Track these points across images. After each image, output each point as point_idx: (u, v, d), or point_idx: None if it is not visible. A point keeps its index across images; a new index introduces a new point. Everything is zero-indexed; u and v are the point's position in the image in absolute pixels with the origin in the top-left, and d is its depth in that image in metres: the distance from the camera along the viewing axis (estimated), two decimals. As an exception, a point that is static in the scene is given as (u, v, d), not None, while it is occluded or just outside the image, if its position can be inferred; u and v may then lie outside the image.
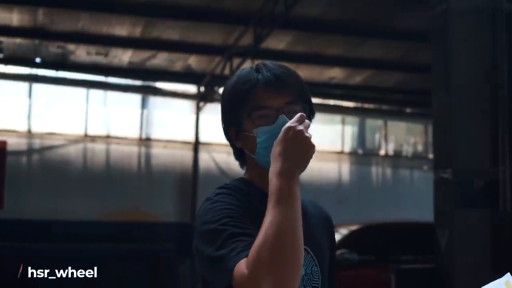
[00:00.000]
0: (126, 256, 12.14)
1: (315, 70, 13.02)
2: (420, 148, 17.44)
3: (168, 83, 14.81)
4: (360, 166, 16.39)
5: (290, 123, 1.62)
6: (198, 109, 14.72)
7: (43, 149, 14.13)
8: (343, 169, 16.09)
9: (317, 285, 1.85)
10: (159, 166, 14.62)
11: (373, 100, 16.35)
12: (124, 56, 12.89)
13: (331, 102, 15.27)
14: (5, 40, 12.09)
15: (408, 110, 17.00)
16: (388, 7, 10.19)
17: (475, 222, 5.12)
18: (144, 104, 14.94)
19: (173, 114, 15.07)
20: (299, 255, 1.51)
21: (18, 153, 13.72)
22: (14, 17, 11.03)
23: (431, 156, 16.92)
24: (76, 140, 14.28)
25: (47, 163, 14.08)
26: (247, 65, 11.37)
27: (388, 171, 16.79)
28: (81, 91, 14.44)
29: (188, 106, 15.01)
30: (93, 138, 14.36)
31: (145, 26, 11.19)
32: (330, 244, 2.01)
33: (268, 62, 1.88)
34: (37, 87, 14.18)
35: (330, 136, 15.60)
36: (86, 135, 14.36)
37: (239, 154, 1.95)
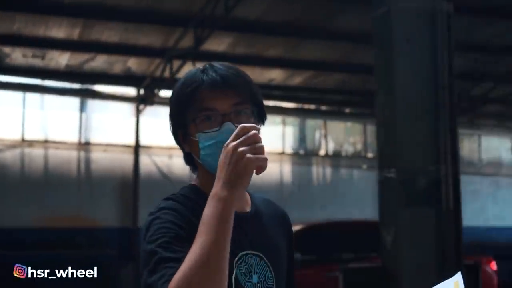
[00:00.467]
0: (67, 263, 11.94)
1: (256, 72, 13.04)
2: (359, 147, 17.68)
3: (107, 86, 14.60)
4: (302, 166, 16.52)
5: (231, 141, 1.51)
6: (138, 112, 14.54)
7: (-22, 155, 13.79)
8: (285, 170, 16.19)
9: None
10: (99, 171, 14.40)
11: (313, 101, 16.52)
12: (62, 59, 12.64)
13: (272, 103, 15.36)
14: None
15: (347, 110, 17.22)
16: (328, 9, 10.29)
17: (419, 221, 5.20)
18: (82, 108, 14.68)
19: (112, 118, 14.85)
20: (221, 285, 1.47)
21: (-49, 159, 13.38)
22: None
23: (370, 155, 17.22)
24: (13, 145, 13.93)
25: (-18, 169, 13.74)
26: (188, 67, 11.41)
27: (329, 170, 16.97)
28: (17, 94, 14.10)
29: (128, 109, 14.82)
30: (31, 143, 14.04)
31: (84, 28, 11.00)
32: (287, 241, 1.97)
33: (216, 63, 1.81)
34: (-29, 91, 13.83)
35: (271, 137, 15.67)
36: (23, 140, 14.02)
37: (188, 159, 1.88)
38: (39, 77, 13.92)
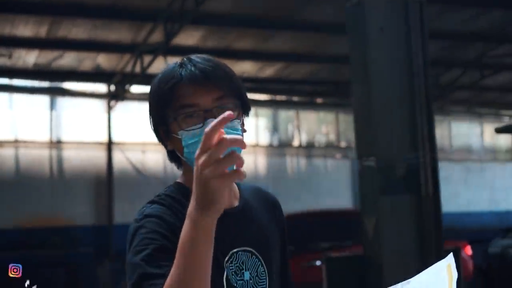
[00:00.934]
0: (42, 263, 11.86)
1: (227, 65, 13.00)
2: (332, 137, 17.75)
3: (77, 83, 14.47)
4: (276, 158, 16.55)
5: (197, 156, 1.33)
6: (110, 109, 14.41)
7: None
8: (259, 162, 16.21)
9: (264, 285, 1.79)
10: (72, 169, 14.27)
11: (285, 92, 16.56)
12: (29, 57, 12.46)
13: (244, 95, 15.32)
14: None
15: (319, 100, 17.28)
16: (297, 0, 10.29)
17: (399, 208, 5.24)
18: (53, 106, 14.51)
19: (84, 115, 14.69)
20: None
21: None
22: None
23: (343, 144, 17.30)
24: (-17, 146, 13.76)
25: (-48, 171, 13.55)
26: (159, 62, 11.34)
27: (303, 161, 17.01)
28: (-15, 95, 13.94)
29: (99, 105, 14.69)
30: (1, 143, 13.86)
31: (51, 26, 10.85)
32: (280, 229, 1.96)
33: (194, 56, 1.74)
34: None
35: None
36: (-7, 141, 13.85)
37: (172, 156, 1.83)
38: (6, 77, 13.78)
